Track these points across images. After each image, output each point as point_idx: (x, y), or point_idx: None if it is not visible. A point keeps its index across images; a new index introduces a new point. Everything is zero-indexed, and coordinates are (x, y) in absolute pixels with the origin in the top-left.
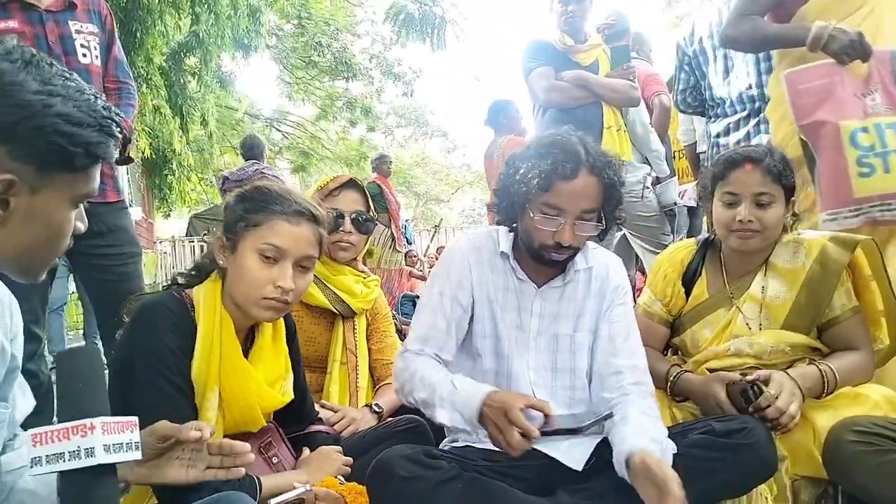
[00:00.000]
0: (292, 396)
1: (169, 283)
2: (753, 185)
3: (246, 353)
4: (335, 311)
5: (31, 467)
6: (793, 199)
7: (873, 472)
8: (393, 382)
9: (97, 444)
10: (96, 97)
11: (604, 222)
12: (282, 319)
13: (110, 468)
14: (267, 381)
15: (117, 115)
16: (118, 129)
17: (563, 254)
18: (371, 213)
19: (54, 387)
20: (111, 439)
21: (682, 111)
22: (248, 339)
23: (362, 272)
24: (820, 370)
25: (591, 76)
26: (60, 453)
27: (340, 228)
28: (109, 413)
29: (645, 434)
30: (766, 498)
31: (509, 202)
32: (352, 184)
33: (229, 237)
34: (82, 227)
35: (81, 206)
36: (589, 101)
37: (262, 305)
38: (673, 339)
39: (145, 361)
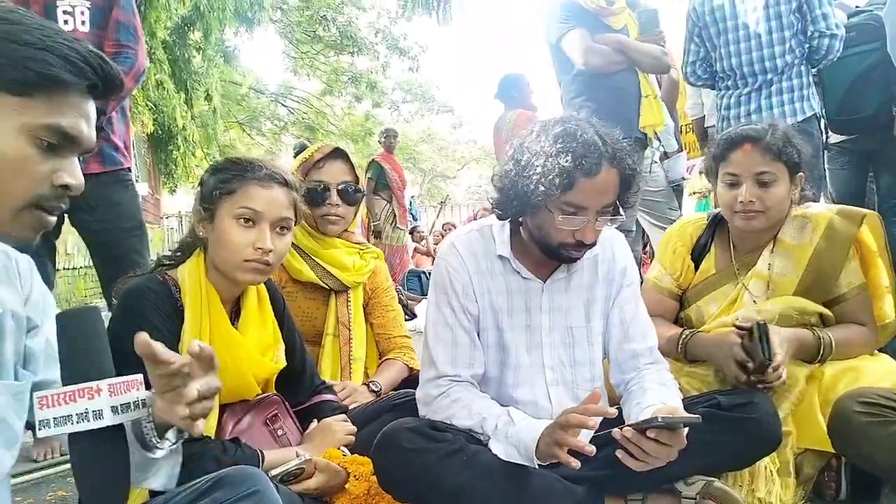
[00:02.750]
0: (285, 364)
1: (154, 266)
2: (753, 165)
3: (234, 325)
4: (325, 286)
5: (39, 430)
6: (798, 174)
7: (879, 443)
8: (421, 407)
9: (104, 406)
10: (58, 31)
11: (621, 211)
12: (265, 292)
13: (118, 428)
14: (257, 349)
15: (85, 48)
16: (76, 55)
17: (583, 251)
18: (360, 184)
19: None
20: (118, 400)
21: (691, 84)
22: (234, 311)
23: (359, 244)
24: (816, 334)
25: (629, 40)
26: (68, 415)
27: (327, 201)
28: (114, 373)
29: (662, 400)
30: (771, 472)
31: (520, 201)
32: (337, 153)
33: (207, 208)
34: (72, 181)
35: (75, 159)
36: (625, 67)
37: (244, 268)
38: (679, 313)
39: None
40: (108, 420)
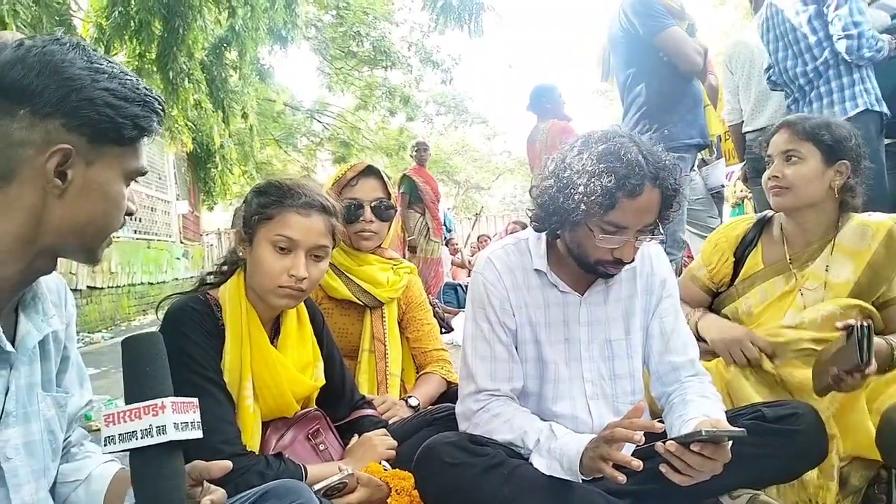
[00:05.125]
0: (324, 382)
1: (198, 283)
2: (781, 143)
3: (273, 343)
4: (360, 302)
5: (104, 446)
6: (840, 161)
7: None
8: (461, 422)
9: (168, 422)
10: (137, 79)
11: (661, 229)
12: (305, 310)
13: (178, 445)
14: (297, 368)
15: (158, 95)
16: (160, 107)
17: (620, 267)
18: (392, 200)
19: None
20: (180, 417)
21: (771, 89)
22: (274, 329)
23: (392, 259)
24: (888, 343)
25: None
26: (133, 431)
27: (361, 218)
28: (173, 394)
29: (705, 413)
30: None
31: (560, 217)
32: (369, 171)
33: (247, 230)
34: (133, 207)
35: (130, 188)
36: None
37: (278, 294)
38: (724, 309)
39: (177, 361)
40: (171, 435)
